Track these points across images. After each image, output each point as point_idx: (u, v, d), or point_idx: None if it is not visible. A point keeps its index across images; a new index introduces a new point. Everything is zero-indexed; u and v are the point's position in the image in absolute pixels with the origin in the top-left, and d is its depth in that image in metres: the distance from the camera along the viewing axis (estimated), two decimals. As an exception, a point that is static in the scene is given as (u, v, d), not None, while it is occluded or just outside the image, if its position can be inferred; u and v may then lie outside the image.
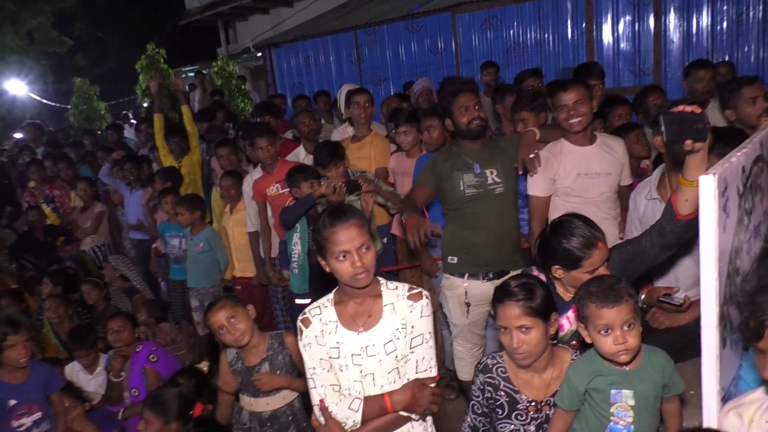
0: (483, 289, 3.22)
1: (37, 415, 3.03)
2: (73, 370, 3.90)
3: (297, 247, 3.89)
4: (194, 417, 2.62)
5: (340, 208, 1.95)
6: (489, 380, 2.07)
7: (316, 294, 2.75)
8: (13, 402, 2.95)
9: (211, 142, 6.12)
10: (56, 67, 17.96)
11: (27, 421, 2.98)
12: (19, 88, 17.22)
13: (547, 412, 2.01)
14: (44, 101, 16.36)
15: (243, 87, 11.99)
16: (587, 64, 4.54)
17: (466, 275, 3.24)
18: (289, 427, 2.64)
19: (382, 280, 2.05)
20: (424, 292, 2.02)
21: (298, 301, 3.97)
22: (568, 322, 2.25)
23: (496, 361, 2.10)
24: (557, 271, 2.23)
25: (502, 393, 2.06)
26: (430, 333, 1.99)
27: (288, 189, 3.93)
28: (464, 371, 3.43)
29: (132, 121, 12.63)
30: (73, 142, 8.02)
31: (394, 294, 2.01)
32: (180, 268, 5.05)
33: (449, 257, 3.31)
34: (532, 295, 1.97)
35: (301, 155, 4.84)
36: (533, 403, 2.02)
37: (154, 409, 2.61)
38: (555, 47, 7.42)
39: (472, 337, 3.38)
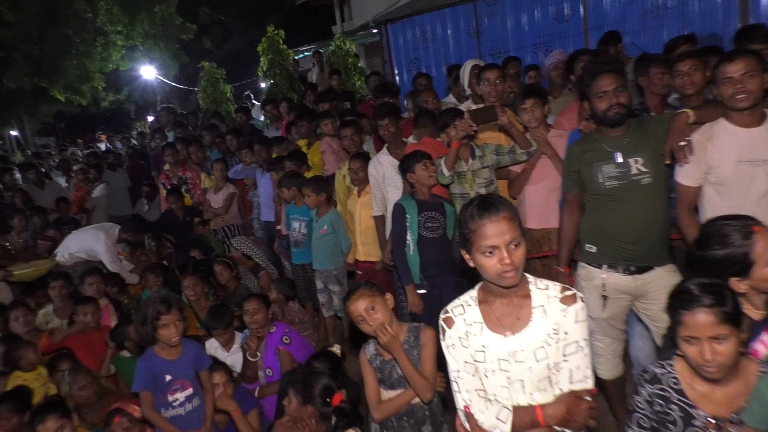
0: (623, 281, 3.05)
1: (189, 390, 3.25)
2: (212, 347, 4.16)
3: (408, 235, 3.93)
4: (333, 406, 2.68)
5: (490, 198, 1.86)
6: (659, 392, 1.92)
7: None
8: (168, 377, 3.19)
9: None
10: (183, 51, 19.23)
11: (180, 396, 3.21)
12: (148, 72, 18.66)
13: (731, 430, 1.83)
14: (173, 84, 17.57)
15: (358, 64, 12.11)
16: (751, 27, 4.03)
17: (605, 266, 3.08)
18: (425, 422, 2.63)
19: (531, 279, 1.94)
20: (579, 294, 1.89)
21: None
22: (763, 346, 2.00)
23: (665, 371, 1.93)
24: (738, 285, 2.00)
25: (675, 407, 1.91)
26: (585, 340, 1.87)
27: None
28: (604, 368, 3.27)
29: (254, 101, 13.25)
30: (209, 125, 8.48)
31: (544, 295, 1.90)
32: (299, 252, 5.24)
33: (587, 245, 3.17)
34: (723, 300, 1.76)
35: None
36: (714, 421, 1.86)
37: (299, 389, 2.70)
38: (701, 8, 6.69)
39: (611, 332, 3.20)
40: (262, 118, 11.44)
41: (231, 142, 7.34)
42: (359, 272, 4.92)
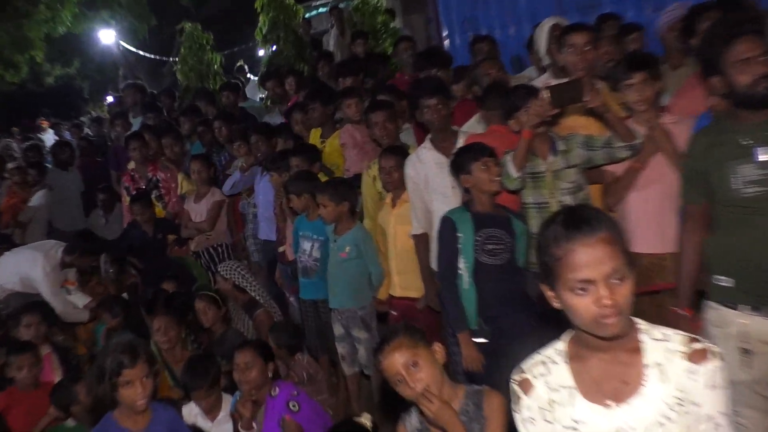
0: (773, 330, 2.99)
1: (162, 471, 3.28)
2: (191, 414, 4.21)
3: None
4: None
5: (582, 212, 1.85)
6: None
7: None
8: (132, 456, 3.22)
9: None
10: (155, 10, 19.65)
11: (148, 479, 3.24)
12: (107, 37, 19.09)
13: None
14: (140, 53, 17.98)
15: (392, 25, 12.21)
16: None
17: (745, 306, 3.06)
18: None
19: (642, 326, 1.93)
20: (713, 348, 1.86)
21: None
22: None
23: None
24: None
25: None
26: (724, 414, 1.84)
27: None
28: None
29: (249, 75, 13.46)
30: (190, 107, 8.65)
31: (662, 348, 1.88)
32: (310, 283, 5.30)
33: (717, 276, 3.15)
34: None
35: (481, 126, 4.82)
36: None
37: None
38: None
39: (760, 402, 3.12)
40: (259, 98, 11.65)
41: (219, 130, 7.46)
42: (394, 312, 4.93)
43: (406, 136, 5.70)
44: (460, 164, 3.98)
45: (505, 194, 4.06)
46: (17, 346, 4.85)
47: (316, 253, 5.21)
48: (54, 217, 8.92)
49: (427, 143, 4.61)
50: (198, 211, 6.92)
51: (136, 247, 6.86)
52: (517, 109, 4.03)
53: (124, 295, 6.67)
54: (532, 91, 4.04)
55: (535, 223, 3.99)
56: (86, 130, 13.69)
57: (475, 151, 3.92)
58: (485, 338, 3.90)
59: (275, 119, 7.99)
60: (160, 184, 7.36)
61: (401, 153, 4.82)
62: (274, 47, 11.35)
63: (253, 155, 6.57)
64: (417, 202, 4.62)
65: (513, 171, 3.92)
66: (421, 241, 4.64)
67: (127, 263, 7.12)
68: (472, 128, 4.89)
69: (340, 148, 6.02)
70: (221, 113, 7.90)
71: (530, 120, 3.83)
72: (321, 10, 15.25)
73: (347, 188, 5.04)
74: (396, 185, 4.83)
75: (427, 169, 4.54)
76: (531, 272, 3.95)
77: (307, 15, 12.88)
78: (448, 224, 3.98)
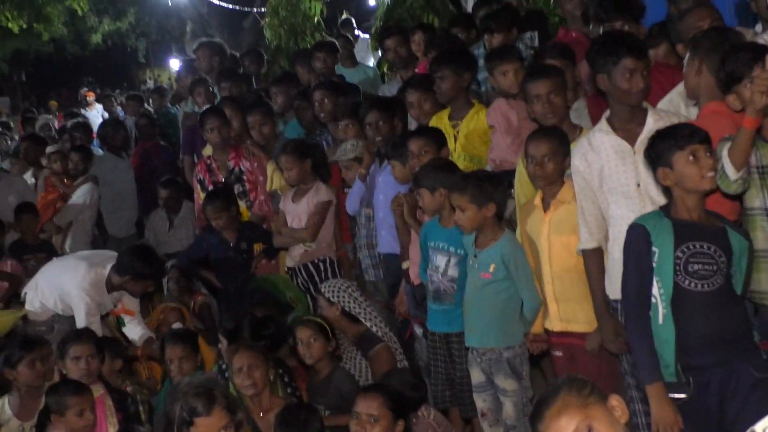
0: None
1: None
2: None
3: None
4: None
5: None
6: None
7: None
8: None
9: None
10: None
11: None
12: None
13: None
14: (215, 2, 18.36)
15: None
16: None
17: None
18: None
19: None
20: None
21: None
22: None
23: None
24: None
25: None
26: None
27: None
28: None
29: (358, 32, 13.63)
30: (282, 75, 8.91)
31: None
32: (442, 311, 5.37)
33: None
34: None
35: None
36: None
37: None
38: None
39: None
40: (371, 63, 11.81)
41: (321, 104, 7.63)
42: (557, 353, 4.95)
43: (578, 116, 5.68)
44: (657, 153, 3.94)
45: (718, 197, 4.01)
46: (65, 386, 5.14)
47: (453, 272, 5.28)
48: (104, 218, 9.35)
49: (603, 124, 4.57)
50: (296, 213, 7.06)
51: (213, 259, 7.16)
52: (738, 80, 3.97)
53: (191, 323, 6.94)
54: (759, 53, 3.98)
55: (762, 237, 3.96)
56: (146, 106, 14.23)
57: (680, 135, 3.86)
58: (686, 394, 3.85)
59: (393, 90, 8.06)
60: (245, 177, 7.61)
61: (557, 136, 4.84)
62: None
63: (370, 141, 6.73)
64: (587, 205, 4.61)
65: (730, 169, 3.86)
66: (592, 258, 4.65)
67: (199, 281, 7.40)
68: (673, 104, 4.84)
69: (481, 132, 6.12)
70: (324, 82, 8.08)
71: (756, 98, 3.77)
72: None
73: (494, 186, 5.09)
74: (549, 180, 4.85)
75: (603, 159, 4.51)
76: (754, 304, 3.90)
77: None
78: (639, 235, 3.94)
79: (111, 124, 10.58)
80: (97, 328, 6.35)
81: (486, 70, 6.45)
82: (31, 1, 19.93)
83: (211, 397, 3.69)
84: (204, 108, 8.40)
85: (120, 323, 6.93)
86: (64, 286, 6.54)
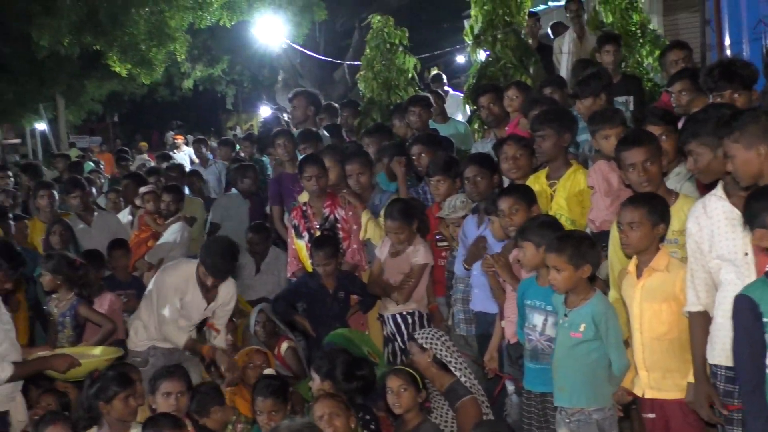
0: None
1: None
2: None
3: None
4: None
5: None
6: None
7: None
8: None
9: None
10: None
11: None
12: (267, 33, 19.89)
13: None
14: (308, 53, 18.64)
15: (650, 27, 12.05)
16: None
17: None
18: None
19: None
20: None
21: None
22: None
23: None
24: None
25: None
26: None
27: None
28: None
29: (447, 88, 13.73)
30: (376, 126, 9.09)
31: None
32: (540, 370, 5.32)
33: None
34: None
35: None
36: None
37: None
38: None
39: None
40: (460, 119, 11.87)
41: (418, 158, 7.74)
42: (649, 416, 4.89)
43: (678, 179, 5.64)
44: (753, 213, 3.91)
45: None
46: (162, 420, 5.24)
47: (551, 331, 5.26)
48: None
49: (718, 190, 4.54)
50: (393, 268, 7.10)
51: (308, 306, 7.32)
52: None
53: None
54: None
55: None
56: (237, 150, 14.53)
57: None
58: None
59: (487, 147, 8.11)
60: (339, 225, 7.69)
61: (648, 205, 4.81)
62: (488, 52, 11.45)
63: (470, 196, 6.77)
64: (697, 268, 4.58)
65: None
66: (697, 321, 4.61)
67: (287, 326, 7.48)
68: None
69: (577, 193, 6.12)
70: (422, 136, 8.19)
71: None
72: (553, 3, 15.24)
73: (590, 247, 5.08)
74: (635, 248, 4.84)
75: (715, 225, 4.47)
76: None
77: (533, 9, 12.84)
78: (746, 306, 3.90)
79: (239, 167, 10.77)
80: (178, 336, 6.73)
81: (589, 132, 6.43)
82: (136, 46, 20.42)
83: None
84: (303, 156, 8.49)
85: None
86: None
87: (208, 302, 6.92)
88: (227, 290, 7.02)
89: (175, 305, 6.85)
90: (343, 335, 6.90)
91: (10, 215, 9.70)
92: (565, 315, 5.06)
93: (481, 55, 11.56)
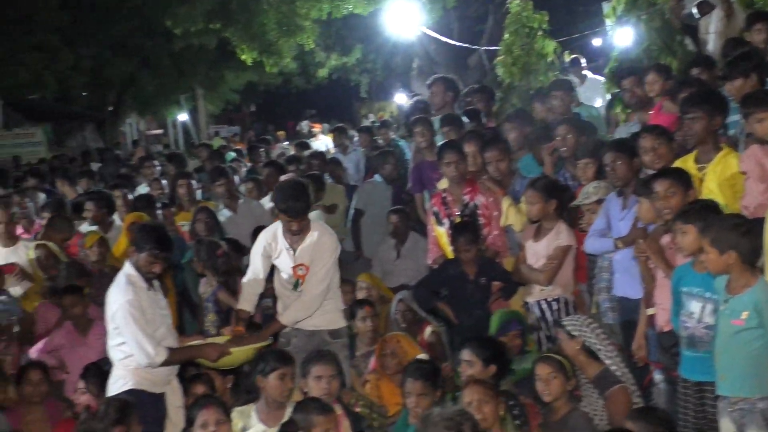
0: None
1: None
2: None
3: None
4: None
5: None
6: None
7: None
8: None
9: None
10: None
11: None
12: (399, 22, 19.91)
13: None
14: (443, 39, 18.54)
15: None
16: None
17: None
18: None
19: None
20: None
21: None
22: None
23: None
24: None
25: None
26: None
27: None
28: None
29: (585, 72, 13.51)
30: (517, 112, 9.02)
31: None
32: (697, 359, 5.22)
33: None
34: None
35: None
36: None
37: None
38: None
39: None
40: (599, 103, 11.63)
41: (565, 140, 7.63)
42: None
43: None
44: None
45: None
46: (311, 404, 5.33)
47: (709, 318, 5.14)
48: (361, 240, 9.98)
49: None
50: (535, 252, 7.06)
51: (449, 292, 7.28)
52: None
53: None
54: None
55: None
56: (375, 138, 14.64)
57: None
58: None
59: (631, 130, 7.94)
60: (479, 211, 7.64)
61: None
62: (633, 33, 11.17)
63: (610, 181, 6.69)
64: None
65: None
66: None
67: (431, 314, 7.48)
68: None
69: (728, 177, 5.95)
70: (569, 118, 8.10)
71: None
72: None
73: (741, 233, 4.92)
74: None
75: None
76: None
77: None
78: None
79: (381, 153, 10.90)
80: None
81: (741, 115, 6.24)
82: (264, 35, 20.77)
83: (460, 430, 3.68)
84: (441, 143, 8.46)
85: None
86: None
87: (294, 250, 6.81)
88: (312, 237, 6.82)
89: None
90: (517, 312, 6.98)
91: (158, 204, 10.01)
92: (725, 301, 4.96)
93: (623, 37, 11.33)
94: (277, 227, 6.84)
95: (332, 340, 6.83)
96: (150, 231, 6.22)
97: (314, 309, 6.67)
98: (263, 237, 6.89)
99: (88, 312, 7.44)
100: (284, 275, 6.80)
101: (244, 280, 6.94)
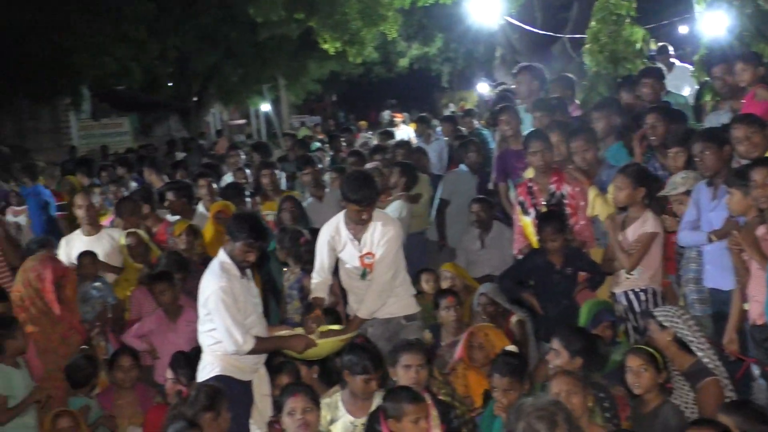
0: None
1: None
2: None
3: None
4: None
5: None
6: None
7: None
8: None
9: None
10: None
11: None
12: (487, 14, 19.78)
13: None
14: (531, 29, 18.35)
15: None
16: None
17: None
18: None
19: None
20: None
21: None
22: None
23: None
24: None
25: None
26: None
27: None
28: None
29: (672, 60, 13.28)
30: (605, 100, 8.90)
31: None
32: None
33: None
34: None
35: None
36: None
37: None
38: None
39: None
40: (687, 92, 11.42)
41: (653, 129, 7.51)
42: None
43: None
44: None
45: None
46: (402, 393, 5.34)
47: None
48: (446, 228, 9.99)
49: None
50: (623, 240, 6.94)
51: (535, 282, 7.26)
52: None
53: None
54: None
55: None
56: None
57: None
58: None
59: (722, 119, 7.81)
60: (566, 201, 7.59)
61: None
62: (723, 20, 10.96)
63: (700, 171, 6.59)
64: None
65: None
66: None
67: (515, 304, 7.44)
68: None
69: None
70: (658, 106, 7.96)
71: None
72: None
73: None
74: None
75: None
76: None
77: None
78: None
79: (464, 142, 10.93)
80: None
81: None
82: (347, 24, 20.86)
83: (553, 422, 3.66)
84: (530, 131, 8.42)
85: None
86: None
87: (358, 240, 6.85)
88: (376, 226, 6.86)
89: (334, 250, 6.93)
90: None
91: (247, 192, 10.12)
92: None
93: (713, 24, 11.12)
94: (338, 220, 6.94)
95: (407, 323, 6.90)
96: (245, 220, 6.28)
97: (387, 296, 6.77)
98: (326, 231, 6.98)
99: (179, 299, 7.58)
100: (349, 266, 6.89)
101: (313, 274, 7.02)
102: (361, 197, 6.57)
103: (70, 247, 8.73)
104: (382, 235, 6.73)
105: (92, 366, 6.95)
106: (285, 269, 8.16)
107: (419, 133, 15.42)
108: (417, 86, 41.02)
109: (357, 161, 11.09)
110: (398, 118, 24.15)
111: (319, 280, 6.94)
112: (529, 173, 7.99)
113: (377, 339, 6.62)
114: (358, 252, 6.78)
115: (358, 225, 6.76)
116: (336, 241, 6.88)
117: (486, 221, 9.03)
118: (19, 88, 22.12)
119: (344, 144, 16.53)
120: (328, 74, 33.34)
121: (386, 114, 33.90)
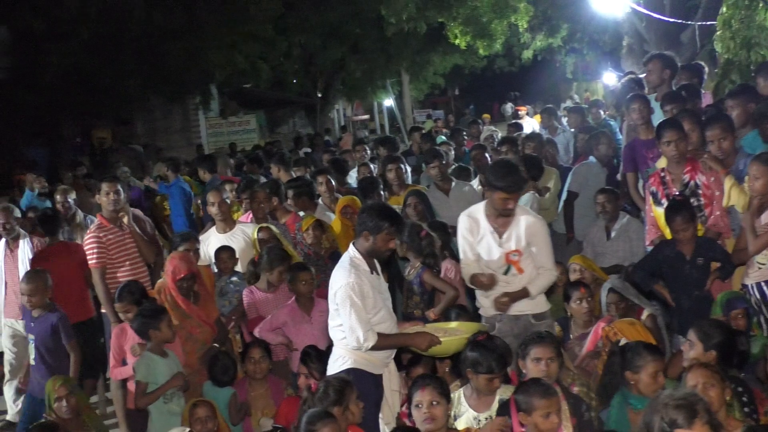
0: None
1: None
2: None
3: None
4: None
5: None
6: None
7: None
8: None
9: None
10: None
11: None
12: (614, 2, 19.49)
13: None
14: (659, 17, 17.97)
15: None
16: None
17: None
18: None
19: None
20: None
21: None
22: None
23: None
24: None
25: None
26: None
27: None
28: None
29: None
30: (739, 88, 8.75)
31: None
32: None
33: None
34: None
35: None
36: None
37: None
38: None
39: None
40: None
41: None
42: None
43: None
44: None
45: None
46: (534, 387, 5.33)
47: None
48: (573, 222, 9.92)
49: None
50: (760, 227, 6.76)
51: (665, 273, 7.12)
52: None
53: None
54: None
55: None
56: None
57: None
58: None
59: None
60: (700, 191, 7.43)
61: None
62: None
63: None
64: None
65: None
66: None
67: (646, 296, 7.31)
68: None
69: None
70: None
71: None
72: None
73: None
74: None
75: None
76: None
77: None
78: None
79: (594, 134, 10.84)
80: None
81: None
82: (478, 18, 20.86)
83: (692, 411, 3.58)
84: (676, 112, 8.27)
85: None
86: None
87: (500, 234, 6.79)
88: (524, 221, 6.80)
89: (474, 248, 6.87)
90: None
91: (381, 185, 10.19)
92: None
93: None
94: (478, 209, 6.88)
95: (536, 322, 6.83)
96: (380, 210, 6.29)
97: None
98: (464, 219, 6.93)
99: (313, 291, 7.68)
100: (487, 258, 6.81)
101: (462, 264, 6.99)
102: (507, 184, 6.51)
103: (207, 245, 8.95)
104: (533, 231, 6.75)
105: (230, 360, 7.21)
106: (406, 264, 8.17)
107: (544, 125, 15.25)
108: (540, 78, 40.69)
109: (479, 154, 11.10)
110: (521, 110, 24.03)
111: (468, 266, 6.90)
112: (662, 163, 7.82)
113: (505, 335, 6.61)
114: (499, 246, 6.74)
115: (501, 217, 6.71)
116: (474, 231, 6.83)
117: (612, 212, 8.87)
118: (152, 88, 22.77)
119: (466, 138, 16.49)
120: (450, 68, 33.35)
121: (509, 107, 33.81)
